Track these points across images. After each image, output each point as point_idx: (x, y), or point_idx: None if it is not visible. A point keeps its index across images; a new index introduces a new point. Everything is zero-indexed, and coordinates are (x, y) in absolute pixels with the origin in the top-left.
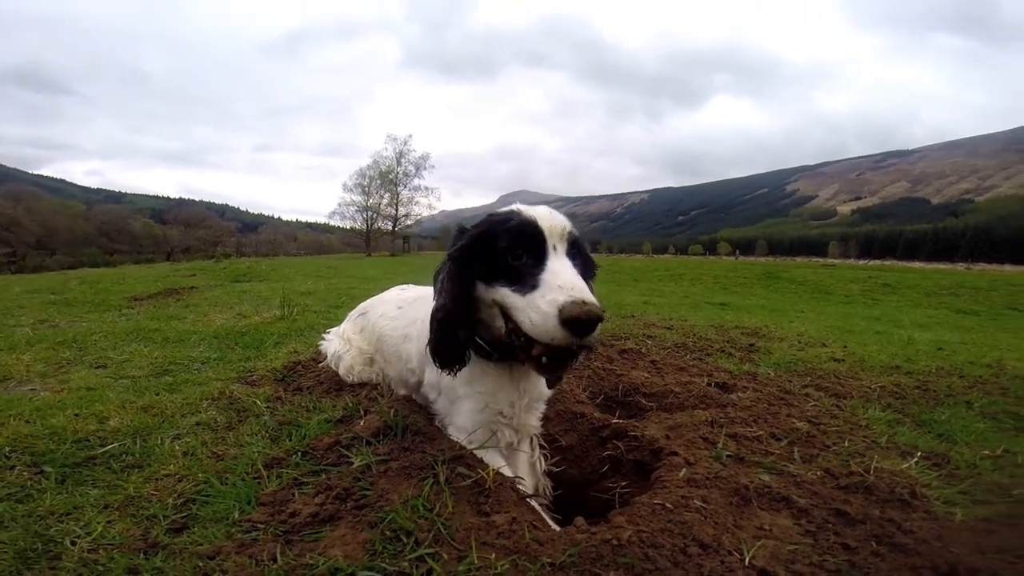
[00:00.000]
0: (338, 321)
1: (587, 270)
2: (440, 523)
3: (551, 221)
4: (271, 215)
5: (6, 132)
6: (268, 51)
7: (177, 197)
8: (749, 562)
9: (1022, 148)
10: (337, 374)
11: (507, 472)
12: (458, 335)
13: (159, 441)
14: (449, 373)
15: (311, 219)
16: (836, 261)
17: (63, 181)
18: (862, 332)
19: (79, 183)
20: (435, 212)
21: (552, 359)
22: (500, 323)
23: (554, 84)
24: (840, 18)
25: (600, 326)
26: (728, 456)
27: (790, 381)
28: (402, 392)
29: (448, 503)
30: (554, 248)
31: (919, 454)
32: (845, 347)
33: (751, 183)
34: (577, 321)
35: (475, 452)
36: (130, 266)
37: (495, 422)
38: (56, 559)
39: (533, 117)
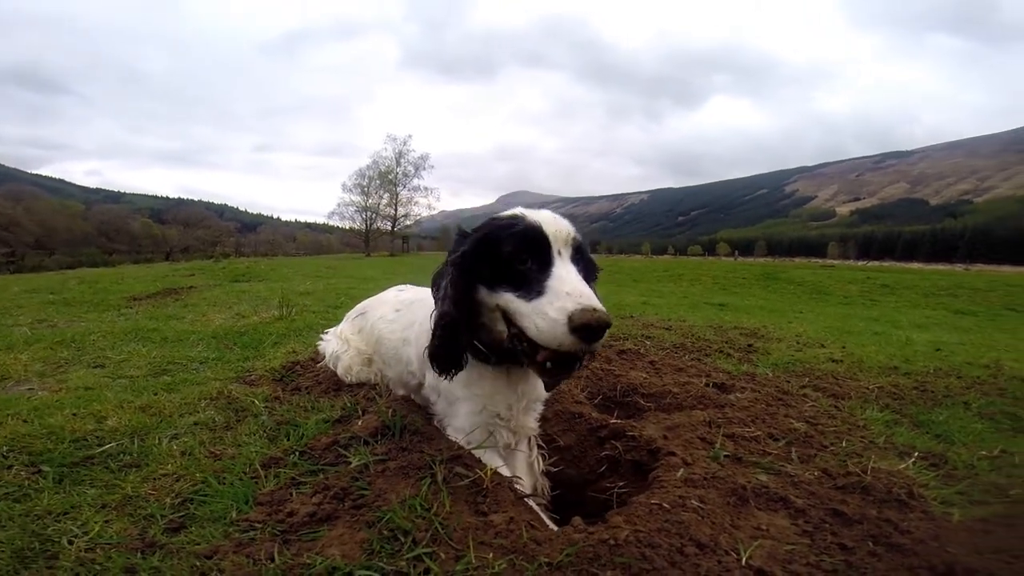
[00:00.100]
0: (337, 321)
1: (589, 273)
2: (438, 523)
3: (555, 226)
4: (270, 215)
5: (5, 132)
6: (267, 51)
7: (176, 197)
8: (746, 562)
9: (1021, 149)
10: (335, 374)
11: (505, 472)
12: (459, 341)
13: (157, 441)
14: (447, 377)
15: (310, 219)
16: (835, 262)
17: (62, 181)
18: (860, 333)
19: (78, 183)
20: (434, 212)
21: (557, 364)
22: (502, 327)
23: (553, 84)
24: (839, 18)
25: (607, 331)
26: (726, 456)
27: (788, 382)
28: (400, 392)
29: (446, 503)
30: (559, 253)
31: (916, 454)
32: (843, 348)
33: (750, 184)
34: (587, 328)
35: (473, 452)
36: (129, 266)
37: (493, 424)
38: (53, 558)
39: (532, 117)
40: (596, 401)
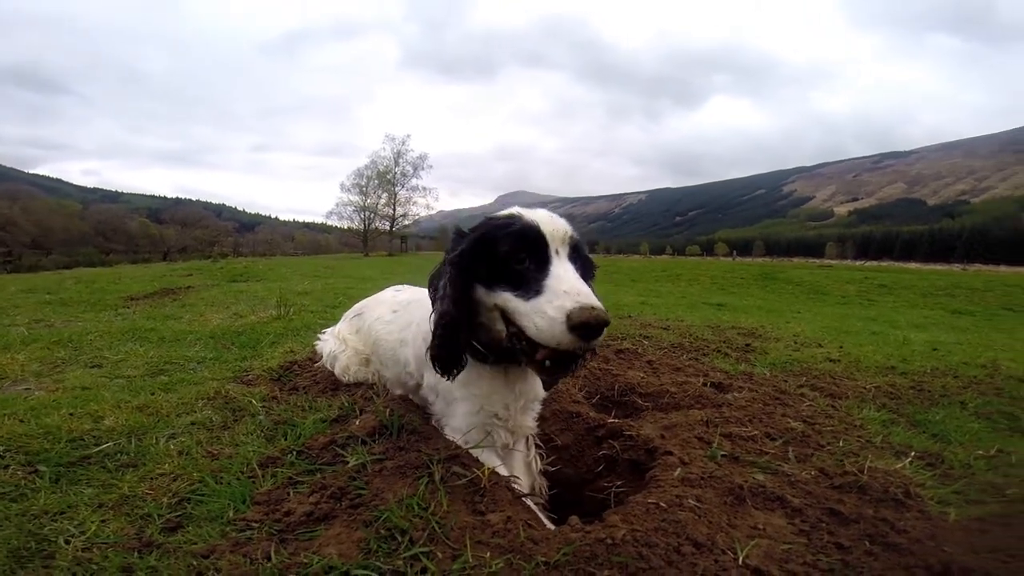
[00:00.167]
0: (335, 321)
1: (587, 271)
2: (435, 522)
3: (552, 225)
4: (268, 215)
5: (4, 132)
6: (267, 51)
7: (174, 197)
8: (743, 561)
9: (1019, 149)
10: (333, 374)
11: (503, 471)
12: (459, 341)
13: (154, 440)
14: (448, 378)
15: (308, 219)
16: (833, 262)
17: (59, 180)
18: (858, 332)
19: (75, 182)
20: (433, 212)
21: (555, 363)
22: (500, 327)
23: (553, 84)
24: (839, 18)
25: (606, 330)
26: (723, 456)
27: (786, 381)
28: (398, 392)
29: (443, 502)
30: (556, 252)
31: (913, 454)
32: (841, 347)
33: (749, 184)
34: (586, 326)
35: (471, 452)
36: (126, 266)
37: (491, 423)
38: (50, 558)
39: (532, 117)
40: (594, 400)
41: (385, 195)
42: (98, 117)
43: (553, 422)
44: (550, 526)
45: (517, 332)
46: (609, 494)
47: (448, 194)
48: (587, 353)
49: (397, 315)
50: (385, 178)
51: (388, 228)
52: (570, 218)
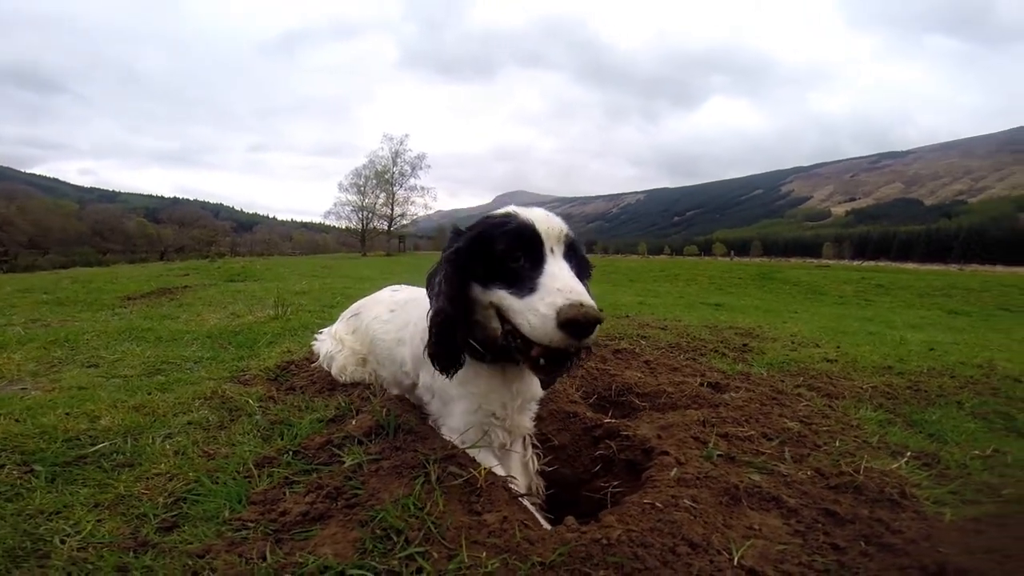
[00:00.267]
0: (332, 321)
1: (582, 271)
2: (431, 522)
3: (548, 224)
4: (266, 215)
5: (1, 131)
6: (266, 51)
7: (172, 196)
8: (738, 562)
9: (1016, 150)
10: (330, 374)
11: (500, 471)
12: (456, 338)
13: (150, 440)
14: (447, 376)
15: (307, 219)
16: (830, 262)
17: (56, 180)
18: (855, 333)
19: (73, 182)
20: (431, 212)
21: (550, 361)
22: (496, 324)
23: (551, 84)
24: (837, 18)
25: (598, 328)
26: (719, 456)
27: (783, 381)
28: (395, 392)
29: (439, 502)
30: (551, 251)
31: (909, 454)
32: (838, 347)
33: (747, 184)
34: (575, 323)
35: (468, 451)
36: (123, 265)
37: (488, 423)
38: (45, 557)
39: (530, 117)
40: (591, 400)
41: (383, 195)
42: (96, 117)
43: (550, 422)
44: (546, 526)
45: (512, 330)
46: (606, 494)
47: (446, 194)
48: (581, 351)
49: (394, 314)
50: (383, 178)
51: (386, 228)
52: (568, 218)
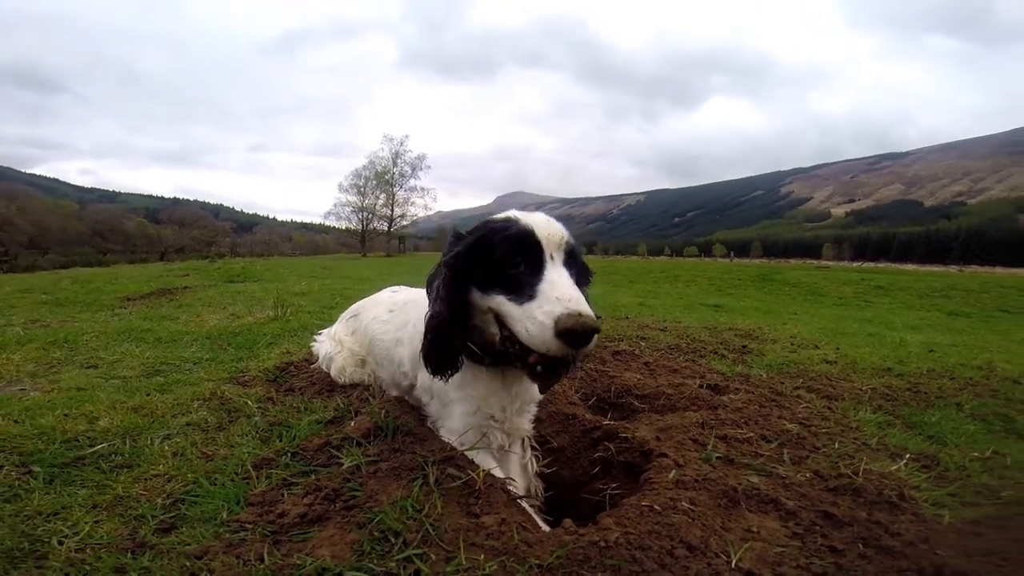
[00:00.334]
0: (331, 322)
1: (582, 277)
2: (429, 524)
3: (548, 230)
4: (266, 215)
5: (1, 131)
6: (266, 51)
7: (172, 197)
8: (736, 564)
9: (1015, 151)
10: (329, 375)
11: (498, 473)
12: (452, 342)
13: (149, 441)
14: (441, 379)
15: (306, 219)
16: (830, 263)
17: (56, 180)
18: (855, 334)
19: (73, 182)
20: (431, 213)
21: (547, 368)
22: (494, 329)
23: (551, 85)
24: (837, 18)
25: (596, 337)
26: (718, 458)
27: (782, 383)
28: (394, 393)
29: (437, 504)
30: (551, 258)
31: (908, 456)
32: (837, 349)
33: (746, 185)
34: (572, 333)
35: (466, 453)
36: (123, 266)
37: (487, 425)
38: (43, 559)
39: (530, 118)
40: (590, 402)
41: (383, 196)
42: (96, 117)
43: (549, 424)
44: (545, 528)
45: (510, 335)
46: (604, 496)
47: (446, 195)
48: (578, 359)
49: (393, 315)
50: (383, 179)
51: (386, 229)
52: (568, 219)
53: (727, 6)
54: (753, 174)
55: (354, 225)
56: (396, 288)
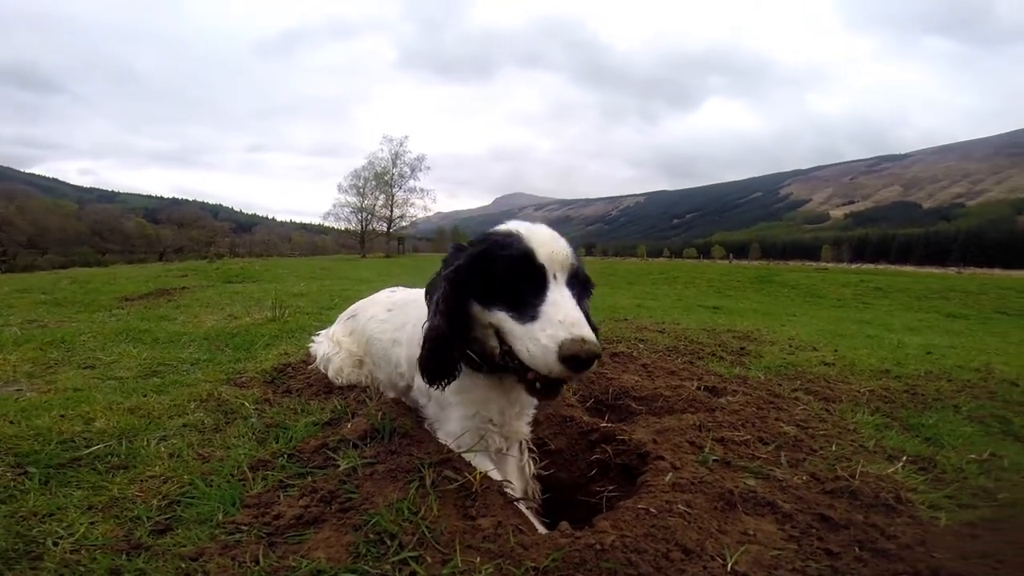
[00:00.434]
0: (330, 323)
1: (583, 291)
2: (424, 526)
3: (552, 248)
4: (265, 216)
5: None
6: (264, 51)
7: (171, 197)
8: (731, 568)
9: (1013, 152)
10: (326, 376)
11: (495, 475)
12: (451, 354)
13: (145, 443)
14: (439, 388)
15: (306, 220)
16: (829, 265)
17: (55, 180)
18: (853, 336)
19: (72, 182)
20: (430, 214)
21: (545, 385)
22: (494, 343)
23: (550, 85)
24: (835, 20)
25: (597, 362)
26: (714, 460)
27: (780, 385)
28: (391, 395)
29: (433, 506)
30: (555, 277)
31: (905, 458)
32: (836, 351)
33: (745, 187)
34: (576, 359)
35: (463, 455)
36: (122, 266)
37: (484, 428)
38: (38, 559)
39: (529, 118)
40: (588, 404)
41: (382, 196)
42: (95, 117)
43: (547, 426)
44: (542, 530)
45: (510, 351)
46: (602, 498)
47: (445, 195)
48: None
49: (392, 314)
50: (382, 179)
51: (385, 230)
52: (567, 220)
53: (725, 7)
54: (751, 175)
55: (353, 226)
56: (394, 288)
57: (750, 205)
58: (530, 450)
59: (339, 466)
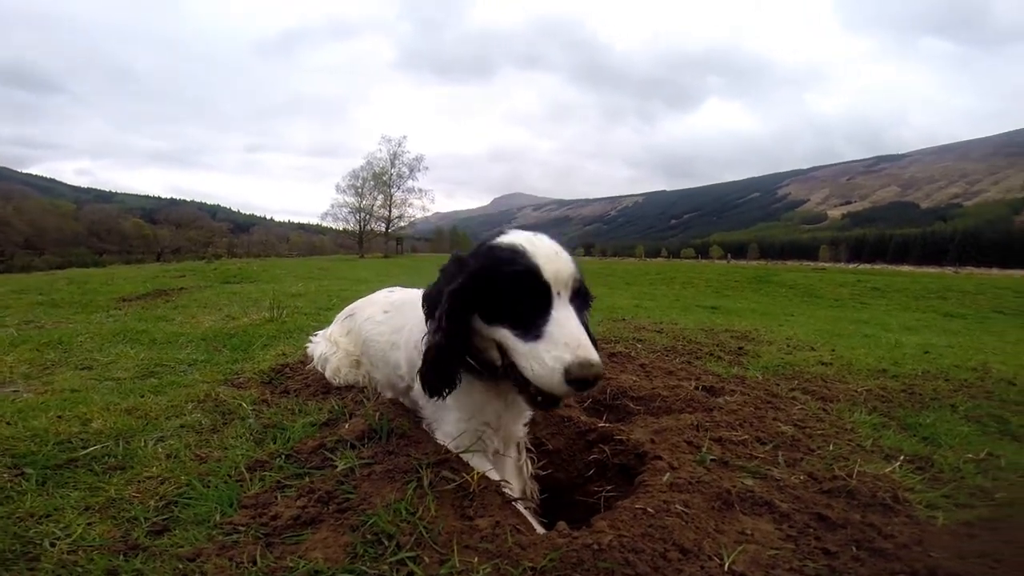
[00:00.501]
0: (328, 323)
1: (584, 304)
2: (422, 527)
3: (556, 266)
4: (263, 216)
5: None
6: (263, 51)
7: (168, 197)
8: (729, 567)
9: (1011, 152)
10: (324, 377)
11: (493, 476)
12: (451, 369)
13: (142, 443)
14: (438, 399)
15: (304, 220)
16: (826, 265)
17: (53, 180)
18: (850, 335)
19: (69, 182)
20: (429, 214)
21: (546, 399)
22: (496, 355)
23: (548, 86)
24: (833, 21)
25: (600, 382)
26: (712, 460)
27: (777, 385)
28: (389, 395)
29: (431, 507)
30: (558, 295)
31: (903, 458)
32: (833, 351)
33: (743, 187)
34: (582, 381)
35: (461, 456)
36: (119, 266)
37: (482, 430)
38: (35, 560)
39: (527, 119)
40: (585, 404)
41: (381, 197)
42: (92, 117)
43: (544, 426)
44: (540, 530)
45: (513, 365)
46: (599, 499)
47: (444, 196)
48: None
49: (389, 316)
50: (381, 179)
51: (384, 230)
52: (566, 220)
53: (723, 7)
54: (749, 175)
55: (351, 226)
56: (392, 289)
57: (748, 205)
58: (528, 450)
59: (337, 467)
